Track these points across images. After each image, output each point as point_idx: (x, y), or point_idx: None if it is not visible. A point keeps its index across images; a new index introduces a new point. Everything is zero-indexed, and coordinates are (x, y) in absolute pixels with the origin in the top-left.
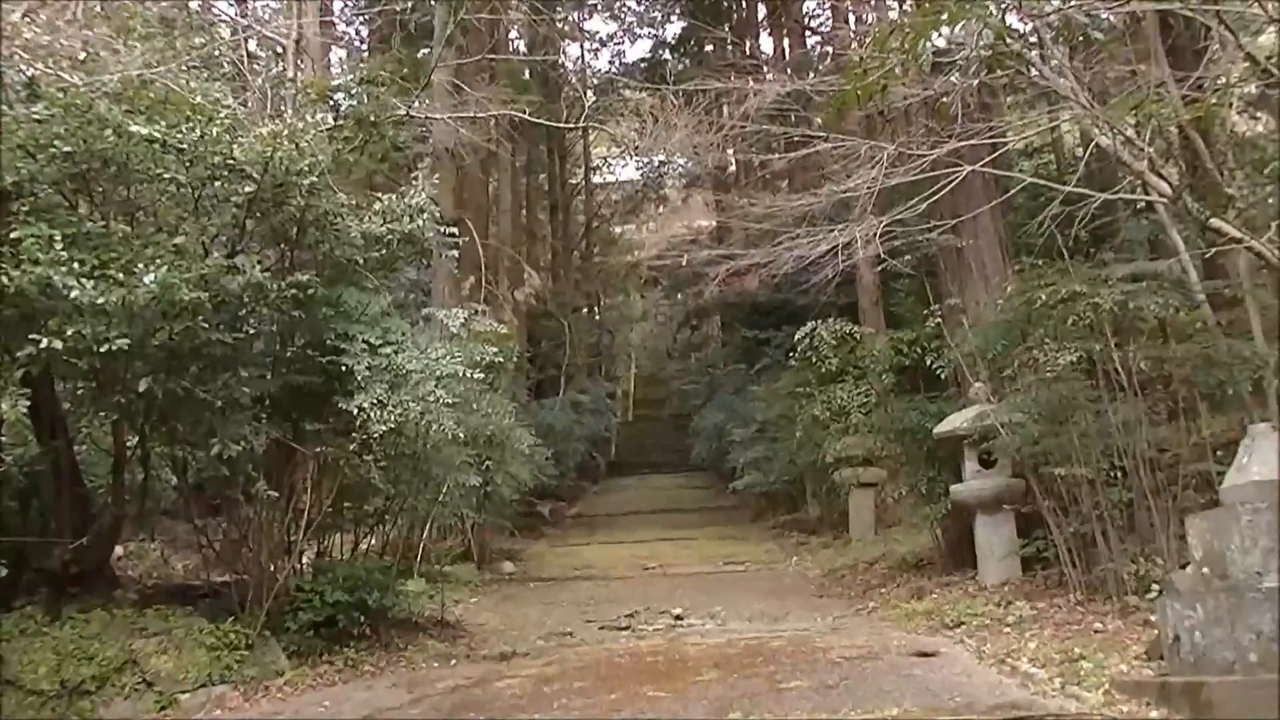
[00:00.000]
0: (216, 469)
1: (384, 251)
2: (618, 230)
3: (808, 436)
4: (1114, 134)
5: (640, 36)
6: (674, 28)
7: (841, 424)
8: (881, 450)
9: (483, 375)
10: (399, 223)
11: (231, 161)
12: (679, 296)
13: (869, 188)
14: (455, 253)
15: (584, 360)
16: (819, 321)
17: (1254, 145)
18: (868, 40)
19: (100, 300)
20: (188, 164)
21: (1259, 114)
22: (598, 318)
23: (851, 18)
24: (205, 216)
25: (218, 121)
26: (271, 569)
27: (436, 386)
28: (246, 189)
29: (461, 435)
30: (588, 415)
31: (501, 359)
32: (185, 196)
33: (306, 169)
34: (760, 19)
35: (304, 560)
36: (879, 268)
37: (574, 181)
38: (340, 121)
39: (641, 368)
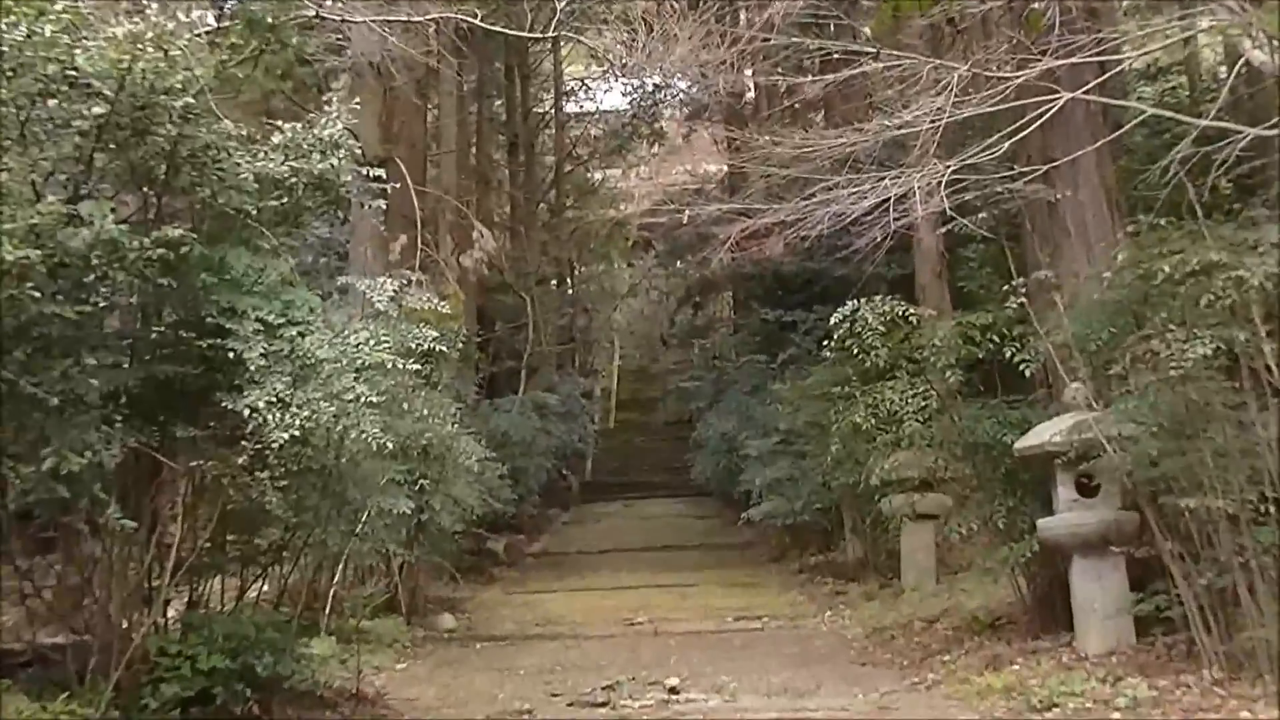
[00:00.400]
0: (50, 489)
1: (286, 200)
2: (598, 177)
3: (846, 451)
4: (1274, 46)
5: None
6: None
7: (892, 435)
8: (945, 471)
9: (418, 366)
10: (306, 161)
11: (73, 73)
12: (678, 265)
13: (933, 122)
14: (382, 203)
15: (552, 348)
16: (863, 300)
17: None
18: None
19: None
20: (9, 74)
21: None
22: (571, 292)
23: None
24: (35, 147)
25: (52, 17)
26: (124, 625)
27: (356, 380)
28: (95, 111)
29: (389, 445)
30: (556, 421)
31: (443, 345)
32: (7, 119)
33: (179, 86)
34: None
35: (170, 613)
36: (944, 229)
37: (540, 111)
38: (226, 24)
39: (628, 358)
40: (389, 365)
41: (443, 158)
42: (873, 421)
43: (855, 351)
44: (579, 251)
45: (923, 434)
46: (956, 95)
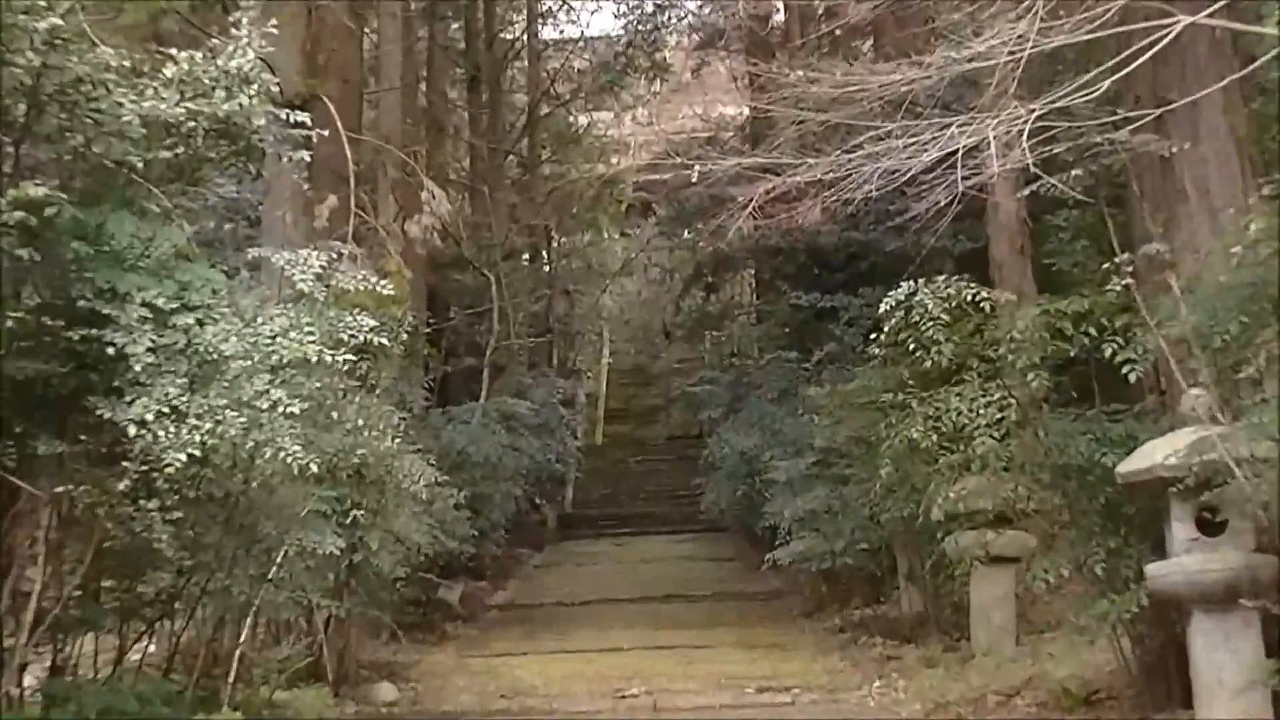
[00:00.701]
0: None
1: (181, 150)
2: (583, 122)
3: (900, 476)
4: None
5: None
6: None
7: (958, 455)
8: (1027, 501)
9: (352, 363)
10: (207, 101)
11: None
12: (685, 236)
13: (1012, 53)
14: (305, 154)
15: (523, 342)
16: (921, 281)
17: None
18: None
19: None
20: None
21: None
22: (548, 270)
23: None
24: None
25: None
26: None
27: (271, 383)
28: None
29: (313, 466)
30: (528, 435)
31: (384, 337)
32: None
33: (42, 3)
34: None
35: (28, 681)
36: (1026, 190)
37: (509, 37)
38: None
39: (621, 355)
40: (314, 363)
41: (383, 96)
42: (934, 438)
43: (912, 348)
44: (558, 218)
45: (998, 454)
46: (1043, 19)
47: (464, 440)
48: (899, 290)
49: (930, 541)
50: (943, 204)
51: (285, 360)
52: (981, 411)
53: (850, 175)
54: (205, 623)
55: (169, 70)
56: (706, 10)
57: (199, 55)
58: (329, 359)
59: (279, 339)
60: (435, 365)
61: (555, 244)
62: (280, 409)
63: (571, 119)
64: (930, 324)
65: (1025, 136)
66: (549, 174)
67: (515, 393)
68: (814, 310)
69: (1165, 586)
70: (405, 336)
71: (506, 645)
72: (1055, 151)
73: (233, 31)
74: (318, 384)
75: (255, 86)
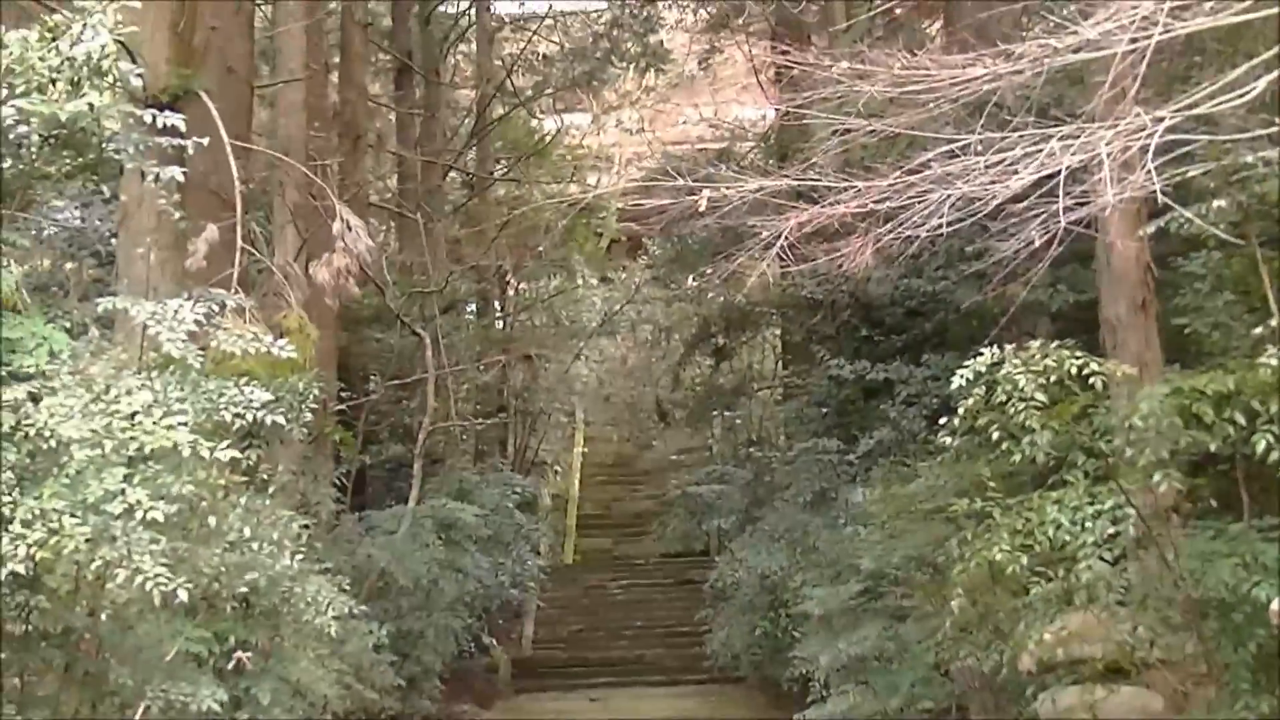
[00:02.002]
0: None
1: (8, 164)
2: (550, 126)
3: (978, 610)
4: None
5: None
6: None
7: (1058, 584)
8: (1150, 648)
9: (237, 453)
10: (43, 97)
11: None
12: (688, 282)
13: (1132, 41)
14: (177, 171)
15: (468, 424)
16: (1009, 348)
17: None
18: None
19: None
20: None
21: None
22: (503, 326)
23: None
24: None
25: None
26: None
27: (129, 480)
28: None
29: (183, 593)
30: (473, 551)
31: (280, 416)
32: None
33: None
34: None
35: None
36: (1151, 227)
37: (451, 12)
38: None
39: (600, 443)
40: (185, 453)
41: (282, 92)
42: (1024, 560)
43: (995, 437)
44: (517, 257)
45: (1111, 583)
46: None
47: (387, 557)
48: (977, 359)
49: (1018, 700)
50: (1038, 244)
51: (147, 449)
52: (1089, 525)
53: (912, 204)
54: None
55: None
56: None
57: (33, 37)
58: (206, 449)
59: (139, 420)
60: (349, 455)
61: (512, 292)
62: (139, 515)
63: (535, 123)
64: (1020, 405)
65: (1151, 154)
66: (504, 197)
67: (456, 493)
68: (861, 384)
69: None
70: (309, 416)
71: None
72: (1191, 174)
73: (80, 5)
74: (190, 481)
75: (109, 79)
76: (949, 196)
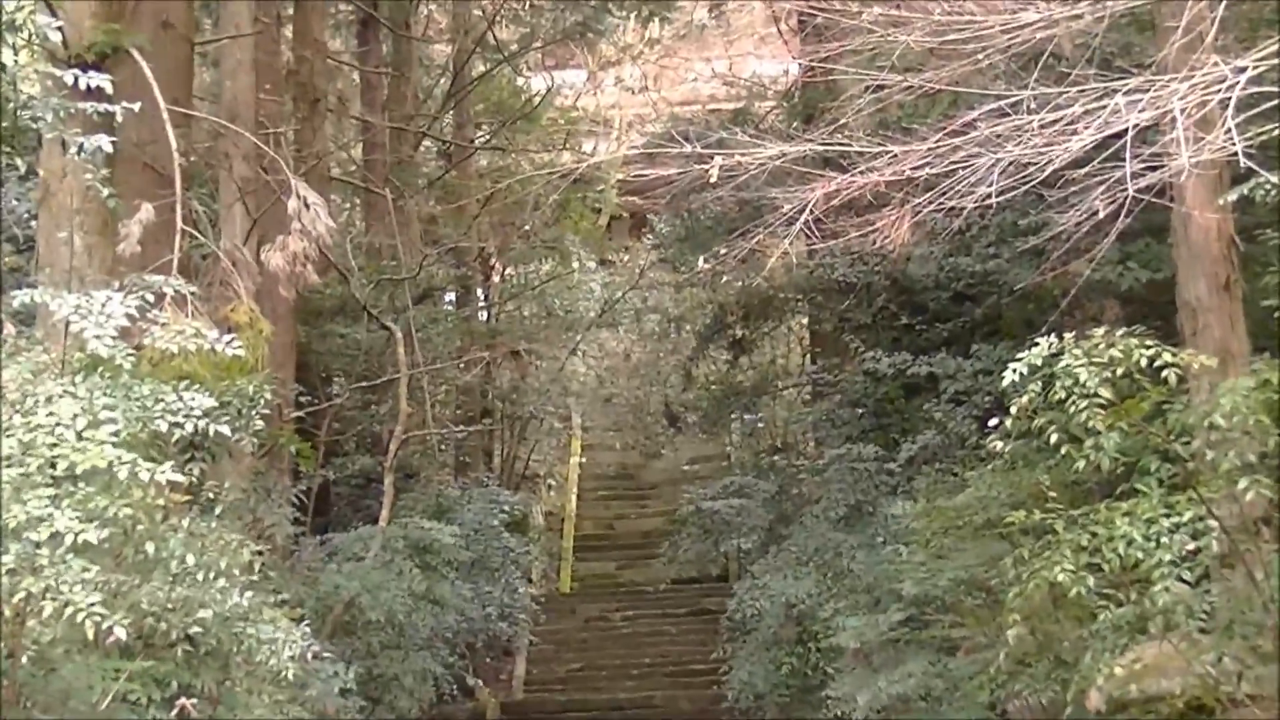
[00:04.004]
0: None
1: None
2: (539, 86)
3: (1039, 640)
4: None
5: None
6: None
7: (1130, 608)
8: (1237, 681)
9: (180, 472)
10: None
11: None
12: (699, 264)
13: None
14: (106, 141)
15: (447, 431)
16: (1069, 337)
17: None
18: None
19: None
20: None
21: None
22: (486, 317)
23: None
24: None
25: None
26: None
27: (55, 501)
28: None
29: (119, 630)
30: (453, 579)
31: (228, 426)
32: None
33: None
34: None
35: None
36: (1234, 194)
37: None
38: None
39: (601, 451)
40: (119, 471)
41: (227, 49)
42: (1091, 581)
43: (1054, 440)
44: (502, 238)
45: (1192, 606)
46: None
47: (354, 587)
48: (1033, 350)
49: None
50: (1102, 215)
51: (75, 466)
52: (1165, 541)
53: (957, 171)
54: None
55: None
56: None
57: None
58: (143, 467)
59: (63, 432)
60: (309, 469)
61: (498, 278)
62: (67, 542)
63: (522, 82)
64: (1083, 403)
65: (1232, 109)
66: (486, 169)
67: (434, 512)
68: (901, 381)
69: None
70: (261, 424)
71: None
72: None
73: None
74: (125, 503)
75: (24, 35)
76: (999, 161)
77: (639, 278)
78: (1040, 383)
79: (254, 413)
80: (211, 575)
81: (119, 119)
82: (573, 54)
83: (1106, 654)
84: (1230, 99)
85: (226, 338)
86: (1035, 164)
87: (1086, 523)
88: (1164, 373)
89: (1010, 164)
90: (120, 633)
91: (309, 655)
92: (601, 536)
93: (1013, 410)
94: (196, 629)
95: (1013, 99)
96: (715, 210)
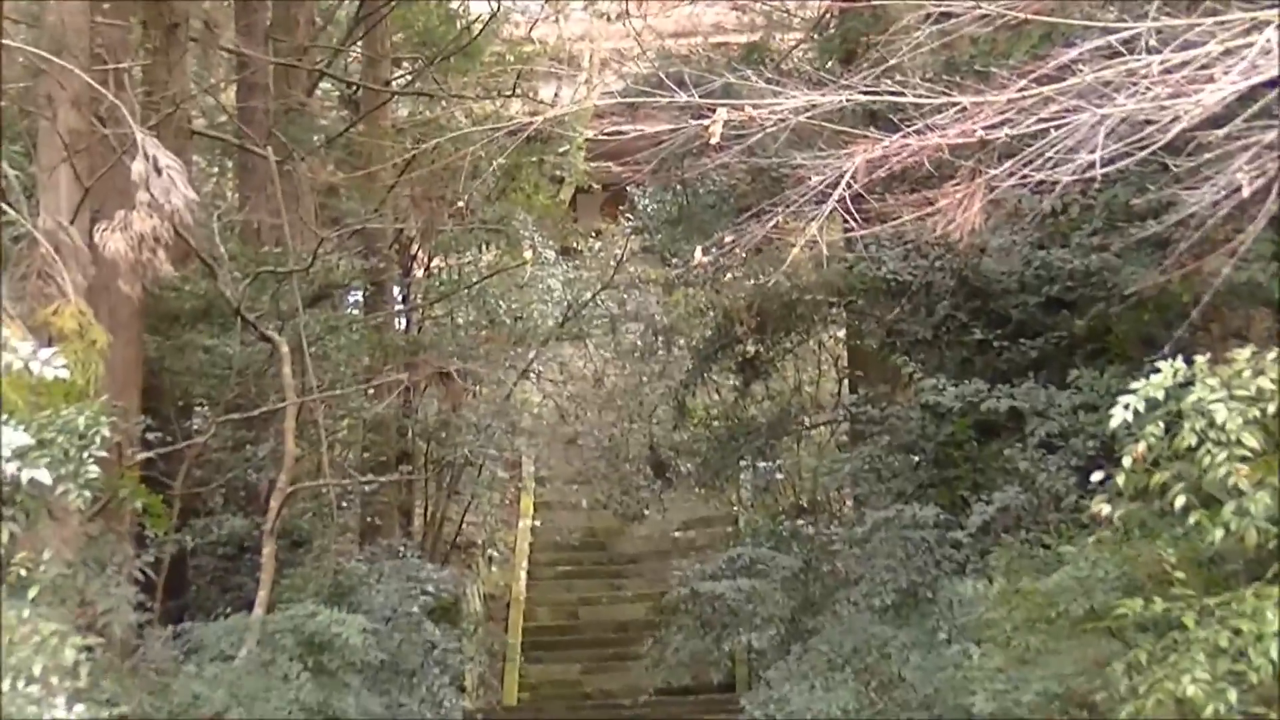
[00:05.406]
0: None
1: None
2: (475, 9)
3: None
4: None
5: None
6: None
7: None
8: None
9: None
10: None
11: None
12: (696, 255)
13: None
14: None
15: (350, 482)
16: (1201, 359)
17: None
18: None
19: None
20: None
21: None
22: (406, 325)
23: None
24: None
25: None
26: None
27: None
28: None
29: None
30: (356, 686)
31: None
32: None
33: None
34: None
35: None
36: None
37: None
38: None
39: (561, 510)
40: None
41: None
42: (1233, 696)
43: (1181, 501)
44: (427, 215)
45: None
46: None
47: (221, 698)
48: (1154, 378)
49: None
50: (1247, 192)
51: None
52: None
53: (1048, 132)
54: None
55: None
56: None
57: None
58: None
59: None
60: (159, 532)
61: (421, 272)
62: None
63: (457, 4)
64: (1222, 453)
65: None
66: (407, 121)
67: (332, 594)
68: (972, 417)
69: None
70: (94, 471)
71: None
72: None
73: None
74: None
75: None
76: (1106, 119)
77: (615, 273)
78: (1163, 423)
79: (85, 455)
80: (21, 682)
81: None
82: None
83: None
84: None
85: (46, 352)
86: (1155, 123)
87: (1226, 615)
88: None
89: (1121, 122)
90: None
91: None
92: (561, 629)
93: (1125, 461)
94: None
95: (1125, 32)
96: (719, 182)
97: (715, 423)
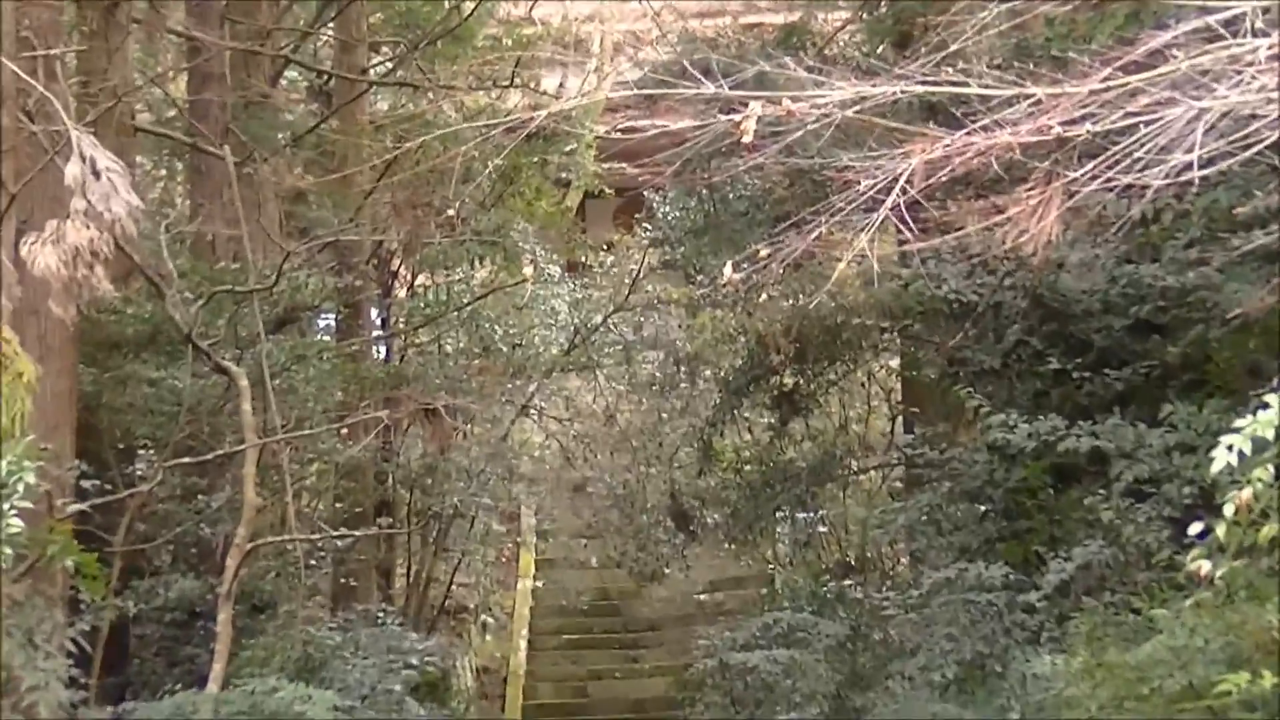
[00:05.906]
0: None
1: None
2: None
3: None
4: None
5: None
6: None
7: None
8: None
9: None
10: None
11: None
12: (725, 272)
13: None
14: None
15: (321, 538)
16: None
17: None
18: None
19: None
20: None
21: None
22: (386, 354)
23: None
24: None
25: None
26: None
27: None
28: None
29: None
30: None
31: None
32: None
33: None
34: None
35: None
36: None
37: None
38: None
39: (566, 569)
40: None
41: None
42: None
43: None
44: (411, 226)
45: None
46: None
47: None
48: (1262, 415)
49: None
50: None
51: None
52: None
53: (1137, 128)
54: None
55: None
56: None
57: None
58: None
59: None
60: (95, 596)
61: (404, 292)
62: None
63: None
64: None
65: None
66: (387, 116)
67: (299, 668)
68: (1048, 458)
69: None
70: (18, 526)
71: None
72: None
73: None
74: None
75: None
76: (1204, 113)
77: (630, 292)
78: (1272, 467)
79: (8, 506)
80: None
81: None
82: None
83: None
84: None
85: None
86: (1262, 117)
87: None
88: None
89: (1223, 117)
90: None
91: None
92: (568, 709)
93: (1227, 510)
94: None
95: (1227, 12)
96: (752, 186)
97: (747, 467)
